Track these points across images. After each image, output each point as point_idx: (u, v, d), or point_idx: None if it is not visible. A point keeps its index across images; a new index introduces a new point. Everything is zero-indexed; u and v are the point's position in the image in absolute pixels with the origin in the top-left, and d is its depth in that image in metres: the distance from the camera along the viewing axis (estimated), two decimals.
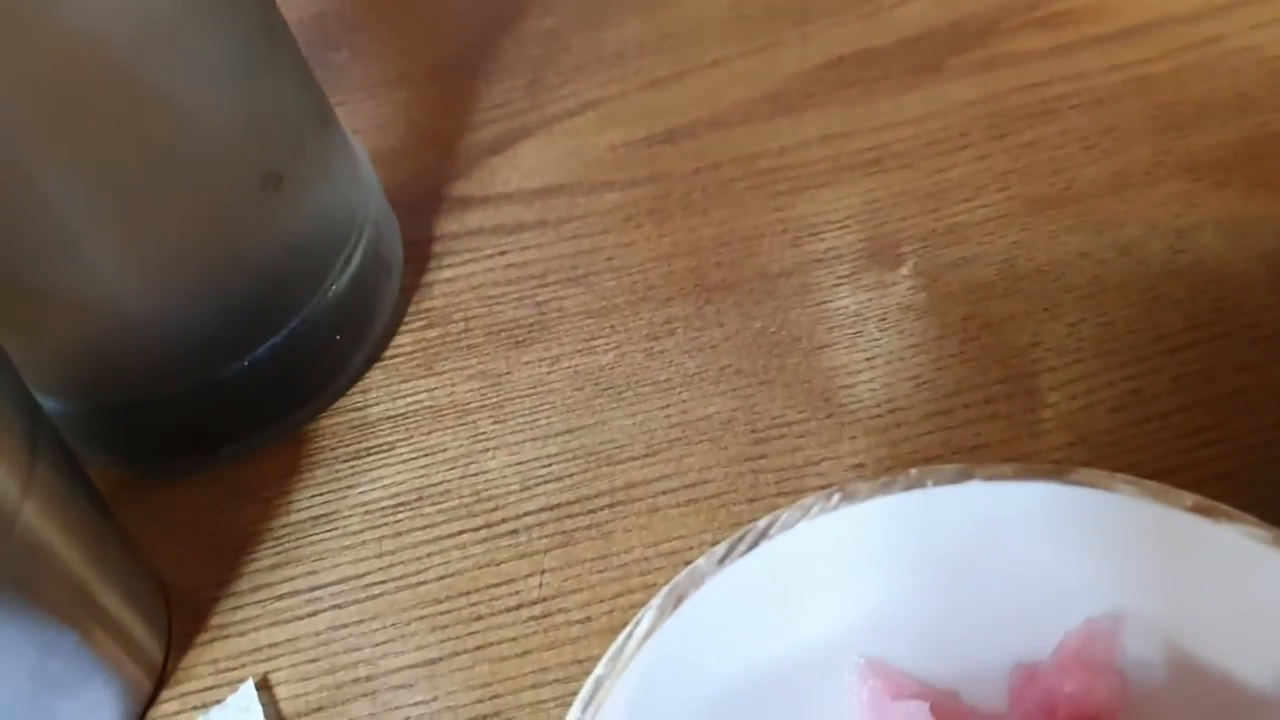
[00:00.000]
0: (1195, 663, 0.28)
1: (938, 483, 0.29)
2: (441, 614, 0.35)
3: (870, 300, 0.40)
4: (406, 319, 0.42)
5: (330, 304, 0.38)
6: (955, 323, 0.38)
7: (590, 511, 0.36)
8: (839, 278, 0.40)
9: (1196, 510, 0.28)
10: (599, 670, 0.28)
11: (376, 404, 0.40)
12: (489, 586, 0.35)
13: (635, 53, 0.50)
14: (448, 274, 0.44)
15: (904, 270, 0.40)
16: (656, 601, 0.28)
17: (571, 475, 0.37)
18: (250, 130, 0.35)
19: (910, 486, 0.29)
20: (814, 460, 0.36)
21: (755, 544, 0.29)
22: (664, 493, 0.36)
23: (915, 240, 0.41)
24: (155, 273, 0.35)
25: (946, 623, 0.29)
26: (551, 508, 0.36)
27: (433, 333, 0.42)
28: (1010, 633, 0.29)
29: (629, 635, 0.28)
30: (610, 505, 0.36)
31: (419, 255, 0.44)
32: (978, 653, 0.29)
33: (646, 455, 0.37)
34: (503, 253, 0.44)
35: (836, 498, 0.29)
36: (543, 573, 0.35)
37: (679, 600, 0.28)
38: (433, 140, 0.49)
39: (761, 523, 0.29)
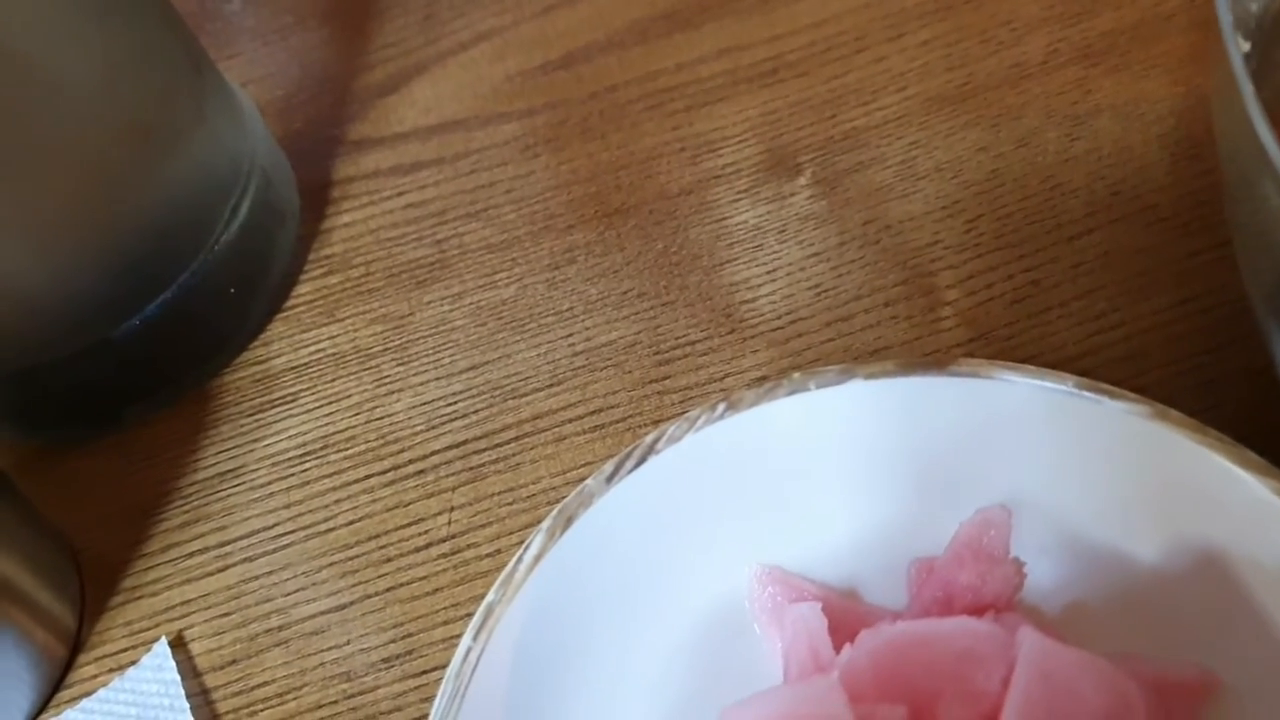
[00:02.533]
0: (1088, 543, 0.28)
1: (821, 385, 0.28)
2: (351, 559, 0.34)
3: (769, 212, 0.39)
4: (306, 267, 0.42)
5: (220, 256, 0.38)
6: (855, 228, 0.38)
7: (497, 445, 0.36)
8: (738, 192, 0.40)
9: (1078, 391, 0.27)
10: (490, 596, 0.27)
11: (279, 355, 0.39)
12: (398, 528, 0.35)
13: None
14: (346, 219, 0.43)
15: (802, 180, 0.39)
16: (545, 524, 0.28)
17: (477, 411, 0.37)
18: (114, 82, 0.34)
19: (794, 391, 0.29)
20: (717, 377, 0.36)
21: (643, 460, 0.29)
22: (569, 421, 0.36)
23: (813, 149, 0.40)
24: (29, 234, 0.34)
25: (843, 524, 0.29)
26: (458, 445, 0.36)
27: (333, 279, 0.41)
28: (907, 529, 0.29)
29: (519, 560, 0.28)
30: (517, 438, 0.36)
31: (317, 201, 0.43)
32: (876, 551, 0.29)
33: (551, 385, 0.37)
34: (401, 193, 0.43)
35: (721, 408, 0.29)
36: (451, 510, 0.35)
37: (569, 521, 0.28)
38: (328, 84, 0.48)
39: (649, 438, 0.29)
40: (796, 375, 0.29)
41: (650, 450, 0.29)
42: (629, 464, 0.29)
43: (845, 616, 0.28)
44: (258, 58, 0.50)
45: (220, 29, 0.52)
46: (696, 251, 0.39)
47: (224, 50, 0.50)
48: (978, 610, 0.28)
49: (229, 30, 0.52)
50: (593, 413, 0.36)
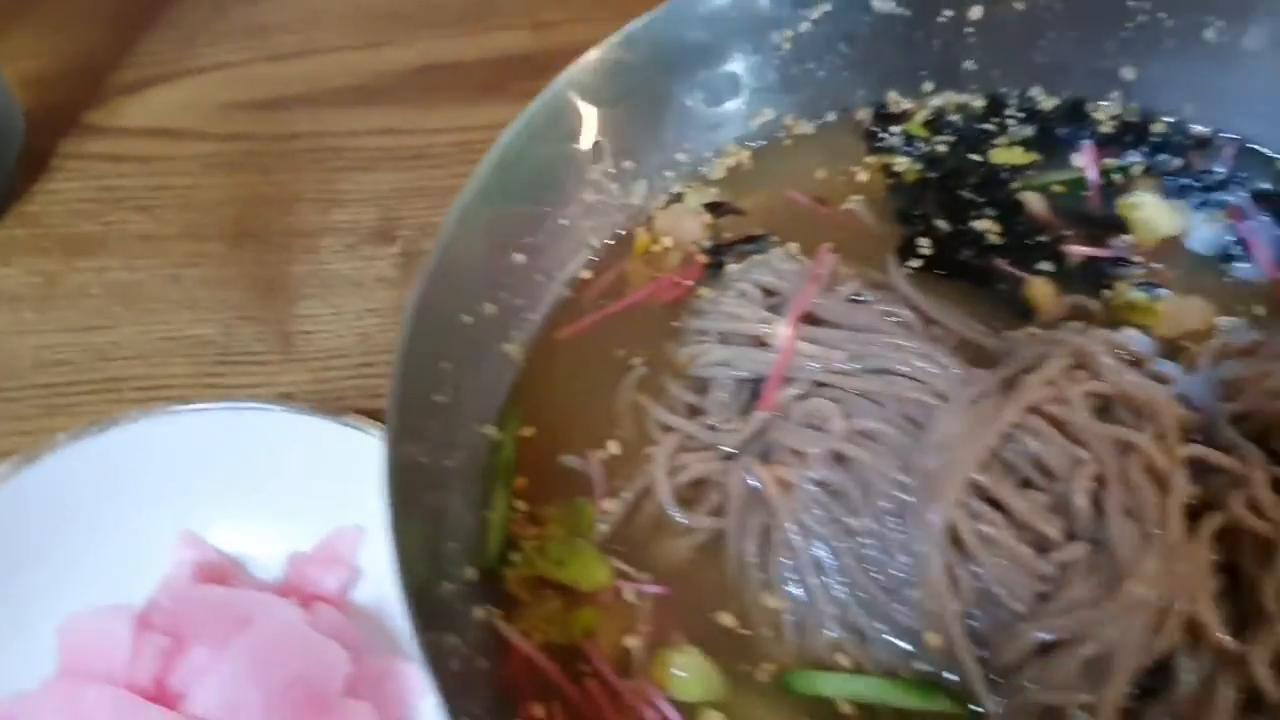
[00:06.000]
0: None
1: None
2: None
3: (359, 267, 0.48)
4: (3, 219, 0.51)
5: None
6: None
7: (79, 394, 0.45)
8: (344, 245, 0.49)
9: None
10: None
11: None
12: None
13: (277, 29, 0.58)
14: (52, 186, 0.52)
15: (393, 249, 0.49)
16: None
17: (73, 363, 0.46)
18: None
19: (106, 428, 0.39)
20: (259, 384, 0.45)
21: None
22: (132, 390, 0.45)
23: (413, 227, 0.50)
24: None
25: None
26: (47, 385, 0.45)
27: (19, 232, 0.50)
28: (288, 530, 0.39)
29: None
30: (88, 393, 0.45)
31: (35, 168, 0.53)
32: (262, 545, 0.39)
33: (135, 358, 0.46)
34: (101, 178, 0.52)
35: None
36: None
37: None
38: (89, 74, 0.57)
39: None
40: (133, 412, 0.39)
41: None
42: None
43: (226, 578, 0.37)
44: (35, 37, 0.59)
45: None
46: (290, 283, 0.48)
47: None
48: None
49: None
50: (153, 387, 0.45)
